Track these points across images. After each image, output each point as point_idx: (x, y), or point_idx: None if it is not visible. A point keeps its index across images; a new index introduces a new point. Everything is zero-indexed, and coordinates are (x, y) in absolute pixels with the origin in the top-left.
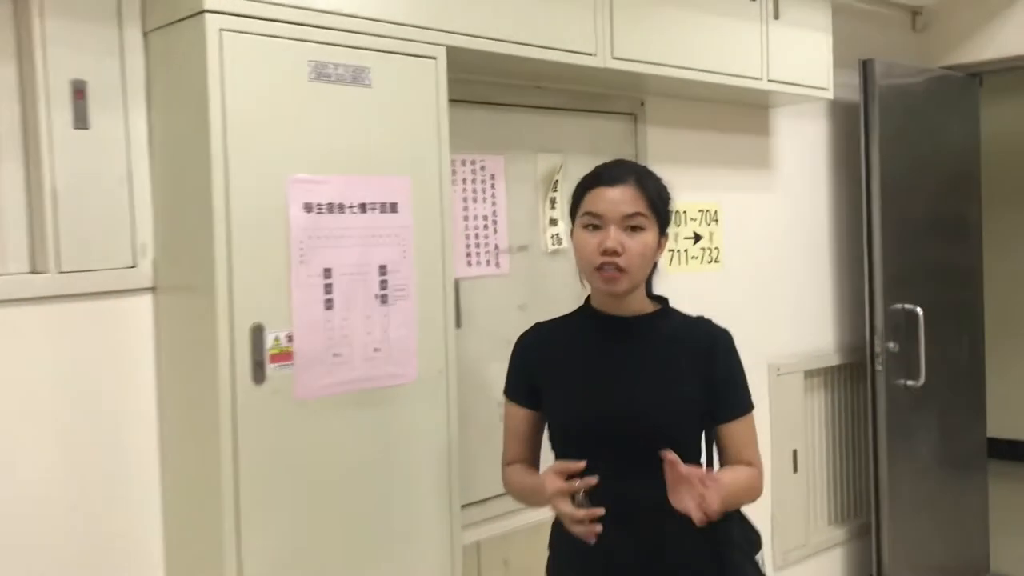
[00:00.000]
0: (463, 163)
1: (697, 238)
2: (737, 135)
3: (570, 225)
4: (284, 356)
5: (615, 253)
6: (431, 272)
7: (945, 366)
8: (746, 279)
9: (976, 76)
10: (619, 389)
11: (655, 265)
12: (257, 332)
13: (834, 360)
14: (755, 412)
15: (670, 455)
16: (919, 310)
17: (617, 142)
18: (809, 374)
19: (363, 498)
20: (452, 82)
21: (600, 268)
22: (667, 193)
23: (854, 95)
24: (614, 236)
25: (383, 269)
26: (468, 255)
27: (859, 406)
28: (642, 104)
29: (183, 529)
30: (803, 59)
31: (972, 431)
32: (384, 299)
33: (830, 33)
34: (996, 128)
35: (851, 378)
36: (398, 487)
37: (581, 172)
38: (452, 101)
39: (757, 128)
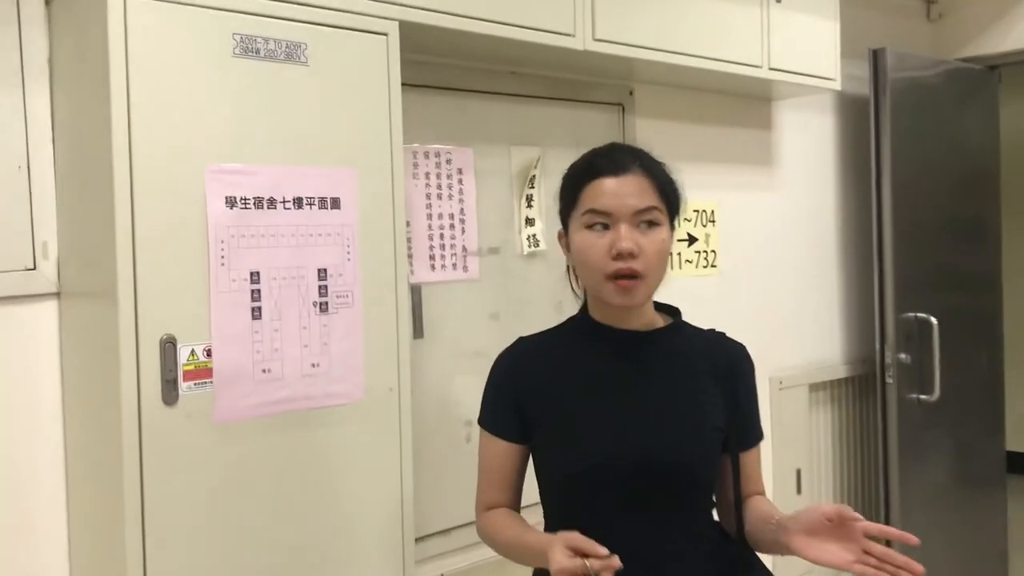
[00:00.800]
0: (426, 155)
1: (692, 240)
2: (736, 129)
3: (559, 226)
4: (201, 373)
5: (631, 256)
6: (380, 276)
7: (961, 378)
8: (745, 285)
9: (995, 69)
10: (636, 422)
11: None
12: (168, 345)
13: (841, 372)
14: None
15: (847, 512)
16: (933, 319)
17: (602, 134)
18: (814, 387)
19: (297, 534)
20: (414, 65)
21: (614, 276)
22: (674, 178)
23: (864, 88)
24: (627, 235)
25: (323, 273)
26: (432, 257)
27: (868, 422)
28: (631, 93)
29: (89, 565)
30: (808, 47)
31: (990, 447)
32: (323, 307)
33: (837, 19)
34: (1016, 124)
35: (859, 392)
36: (339, 520)
37: (561, 167)
38: (414, 86)
39: (758, 122)
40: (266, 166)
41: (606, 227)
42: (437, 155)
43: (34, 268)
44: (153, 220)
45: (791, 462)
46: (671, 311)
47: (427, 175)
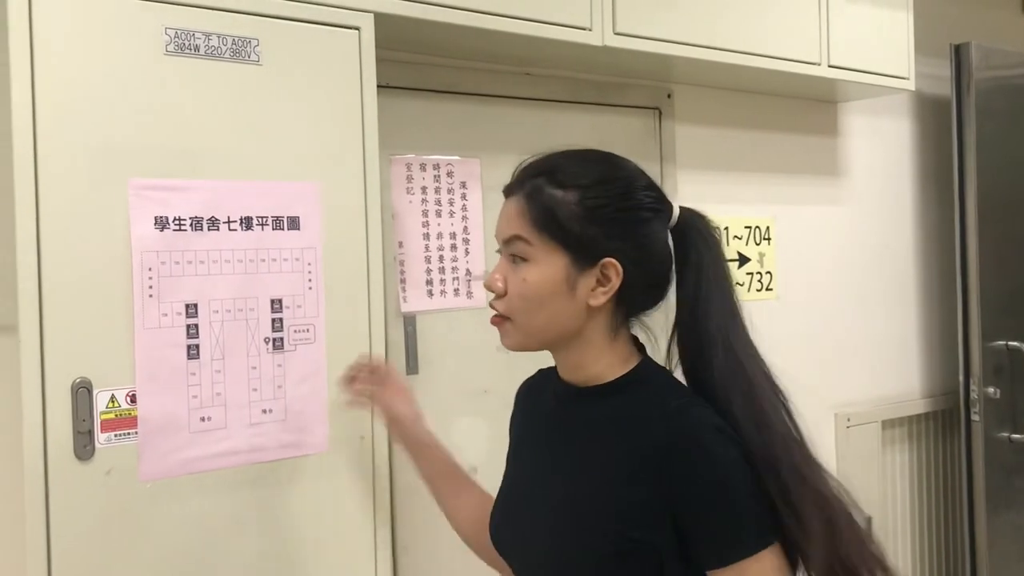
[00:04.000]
0: (423, 167)
1: (743, 260)
2: (795, 135)
3: None
4: (123, 423)
5: (492, 293)
6: (350, 307)
7: None
8: (807, 310)
9: None
10: (522, 499)
11: (612, 309)
12: (82, 390)
13: (919, 408)
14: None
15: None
16: None
17: (634, 142)
18: (887, 424)
19: None
20: (408, 66)
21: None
22: (598, 198)
23: (945, 88)
24: (497, 269)
25: (277, 304)
26: (429, 283)
27: (950, 463)
28: (668, 96)
29: None
30: (875, 41)
31: None
32: (278, 344)
33: (910, 10)
34: None
35: (940, 430)
36: None
37: None
38: (409, 90)
39: (821, 127)
40: (206, 180)
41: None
42: (436, 167)
43: None
44: (63, 243)
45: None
46: (643, 365)
47: (424, 189)
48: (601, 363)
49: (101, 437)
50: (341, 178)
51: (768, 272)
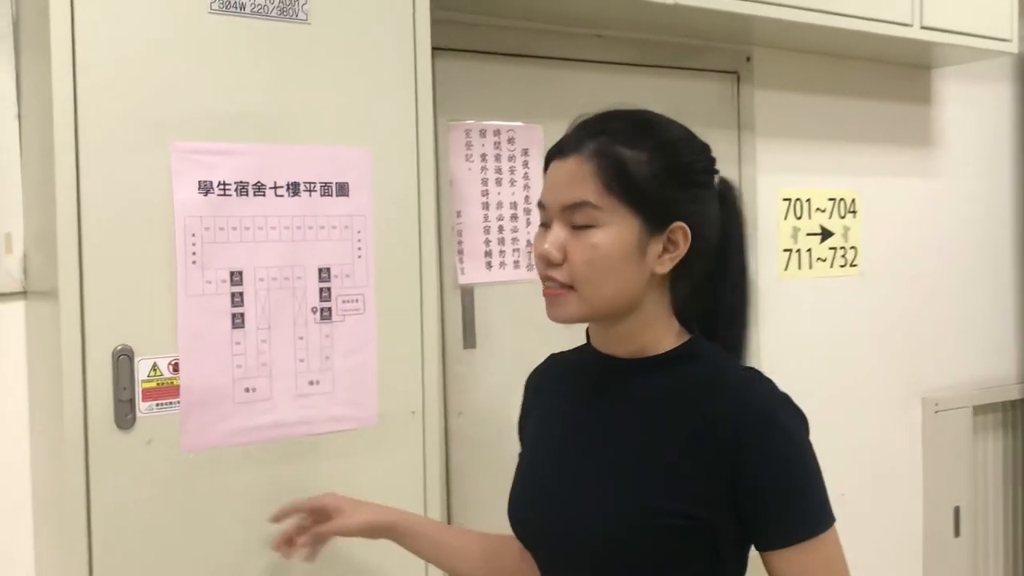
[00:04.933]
0: (482, 133)
1: (825, 235)
2: (884, 102)
3: None
4: (165, 392)
5: (549, 262)
6: (402, 277)
7: None
8: (893, 288)
9: None
10: (558, 480)
11: (672, 278)
12: (123, 358)
13: (1014, 393)
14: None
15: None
16: None
17: (710, 108)
18: (980, 410)
19: None
20: (468, 27)
21: (544, 284)
22: (668, 159)
23: None
24: (552, 237)
25: (325, 273)
26: (488, 255)
27: None
28: (748, 59)
29: None
30: (973, 0)
31: None
32: (326, 314)
33: None
34: None
35: None
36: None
37: None
38: (469, 52)
39: (913, 94)
40: (252, 144)
41: (547, 225)
42: (497, 133)
43: None
44: (105, 208)
45: (948, 499)
46: (695, 335)
47: (483, 157)
48: (655, 330)
49: (142, 406)
50: (392, 143)
51: (852, 247)
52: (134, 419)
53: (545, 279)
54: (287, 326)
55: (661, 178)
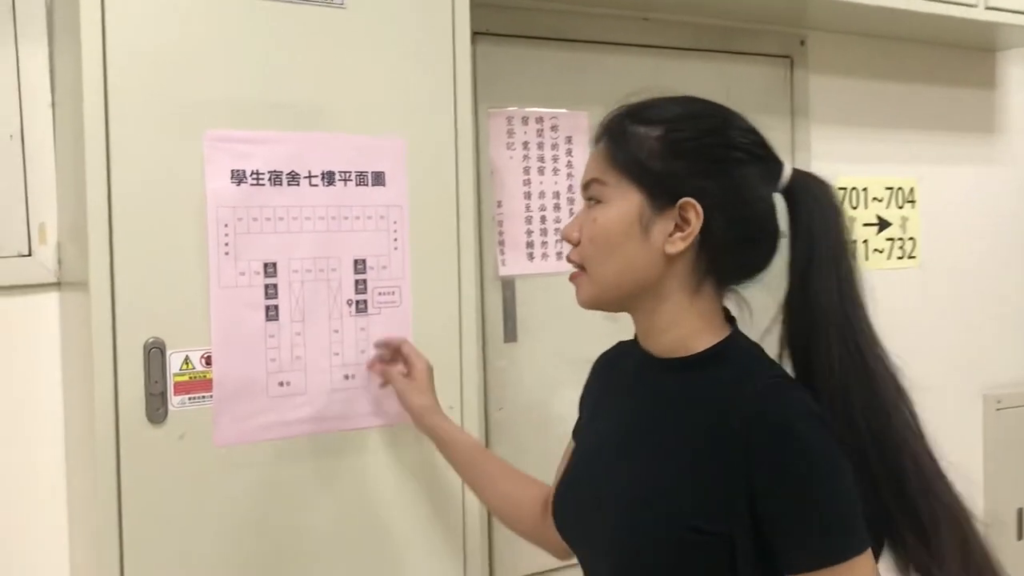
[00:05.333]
0: (524, 121)
1: (883, 225)
2: (945, 87)
3: None
4: (197, 385)
5: (568, 242)
6: (439, 268)
7: None
8: (954, 281)
9: None
10: (595, 478)
11: (702, 268)
12: (155, 351)
13: None
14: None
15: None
16: None
17: (763, 94)
18: None
19: None
20: (511, 11)
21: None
22: (681, 131)
23: None
24: (574, 217)
25: (360, 264)
26: (529, 245)
27: None
28: (802, 43)
29: None
30: None
31: None
32: (361, 306)
33: None
34: None
35: None
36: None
37: None
38: (506, 36)
39: (976, 78)
40: (287, 132)
41: None
42: (539, 120)
43: (29, 254)
44: (136, 198)
45: (1011, 500)
46: (731, 335)
47: (525, 145)
48: (683, 328)
49: (174, 400)
50: (430, 131)
51: (911, 238)
52: (166, 413)
53: (569, 261)
54: (322, 319)
55: (671, 151)
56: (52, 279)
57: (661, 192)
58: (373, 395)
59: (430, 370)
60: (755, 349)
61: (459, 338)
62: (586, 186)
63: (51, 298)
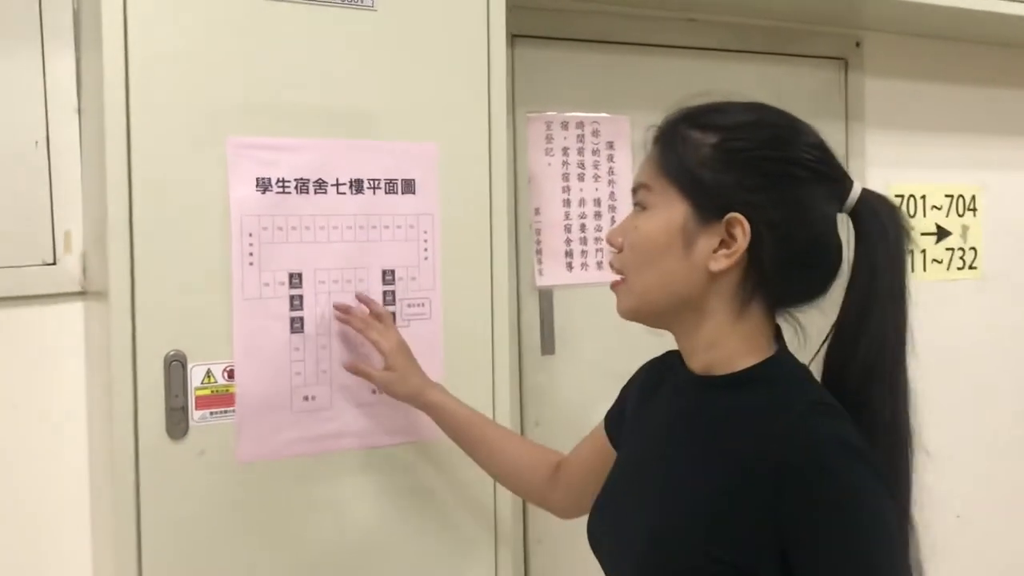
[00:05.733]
0: (564, 126)
1: (942, 234)
2: (1009, 89)
3: None
4: (220, 400)
5: (612, 248)
6: (471, 279)
7: None
8: (1017, 293)
9: None
10: (626, 494)
11: (739, 280)
12: (175, 364)
13: None
14: None
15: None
16: None
17: (815, 98)
18: None
19: None
20: (543, 12)
21: None
22: (737, 141)
23: None
24: (621, 223)
25: (389, 275)
26: (568, 254)
27: None
28: (857, 44)
29: None
30: None
31: None
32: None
33: None
34: None
35: None
36: None
37: None
38: (544, 39)
39: None
40: (313, 139)
41: None
42: (580, 126)
43: (54, 263)
44: (158, 206)
45: None
46: (775, 354)
47: (565, 151)
48: (725, 348)
49: (196, 415)
50: (463, 138)
51: (972, 248)
52: (187, 428)
53: (611, 267)
54: (349, 331)
55: (724, 161)
56: (77, 288)
57: (708, 204)
58: (401, 410)
59: (403, 348)
60: (800, 371)
61: (491, 352)
62: (635, 190)
63: (76, 308)
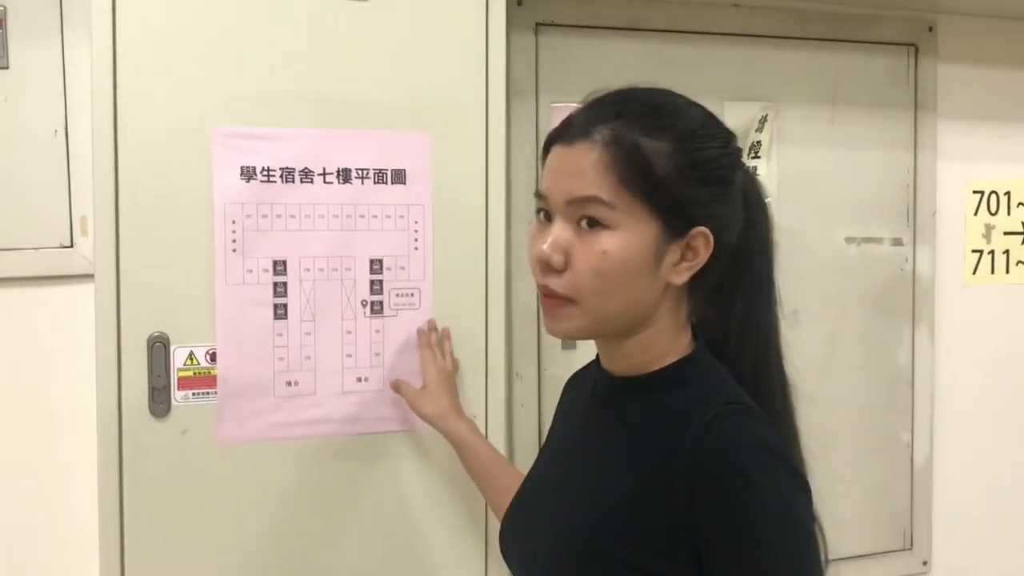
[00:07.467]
0: None
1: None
2: None
3: None
4: (201, 381)
5: (548, 267)
6: (463, 272)
7: None
8: None
9: None
10: (537, 503)
11: (688, 287)
12: (158, 345)
13: None
14: None
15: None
16: None
17: (879, 87)
18: None
19: None
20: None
21: (542, 290)
22: (692, 152)
23: None
24: (553, 236)
25: (377, 265)
26: None
27: None
28: (930, 29)
29: None
30: None
31: None
32: (376, 307)
33: None
34: None
35: None
36: None
37: (806, 130)
38: (574, 27)
39: None
40: (299, 129)
41: (550, 218)
42: None
43: (71, 246)
44: (142, 192)
45: None
46: (691, 353)
47: None
48: (659, 348)
49: (178, 395)
50: (457, 128)
51: None
52: (169, 407)
53: (542, 287)
54: (334, 319)
55: (685, 174)
56: (91, 270)
57: (677, 221)
58: (388, 399)
59: (446, 374)
60: (715, 368)
61: (485, 344)
62: (577, 202)
63: (90, 289)
